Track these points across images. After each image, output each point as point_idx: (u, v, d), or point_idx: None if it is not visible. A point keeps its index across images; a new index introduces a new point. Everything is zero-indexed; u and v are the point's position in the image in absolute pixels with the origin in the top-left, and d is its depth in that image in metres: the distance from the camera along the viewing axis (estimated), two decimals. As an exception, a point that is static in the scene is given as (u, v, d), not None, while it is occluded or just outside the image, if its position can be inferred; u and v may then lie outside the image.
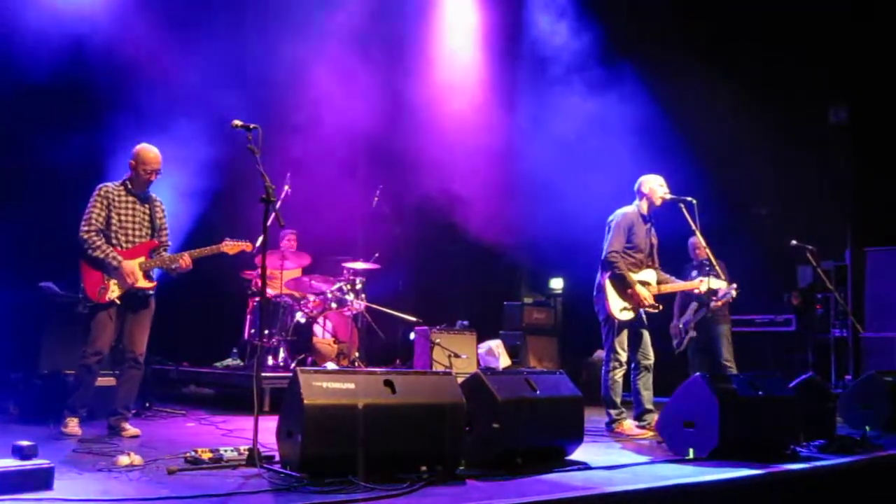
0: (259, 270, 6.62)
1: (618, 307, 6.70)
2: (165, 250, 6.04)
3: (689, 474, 4.75)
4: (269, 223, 5.04)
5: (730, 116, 13.05)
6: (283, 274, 9.07)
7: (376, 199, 9.84)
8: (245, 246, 6.17)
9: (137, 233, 5.93)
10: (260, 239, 5.60)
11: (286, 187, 8.55)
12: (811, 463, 5.34)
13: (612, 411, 6.69)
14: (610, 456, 5.43)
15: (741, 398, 5.58)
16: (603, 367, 6.81)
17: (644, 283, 6.77)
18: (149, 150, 5.92)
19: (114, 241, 5.82)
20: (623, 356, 6.71)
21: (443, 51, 10.91)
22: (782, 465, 5.11)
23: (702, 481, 4.60)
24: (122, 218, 5.88)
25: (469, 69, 10.93)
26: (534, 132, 10.86)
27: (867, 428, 6.64)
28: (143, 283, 5.84)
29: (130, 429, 5.78)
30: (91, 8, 8.25)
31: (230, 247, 6.09)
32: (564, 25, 11.11)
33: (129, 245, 5.87)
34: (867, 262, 10.16)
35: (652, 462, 5.25)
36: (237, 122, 5.07)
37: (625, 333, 6.73)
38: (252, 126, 5.07)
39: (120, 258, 5.74)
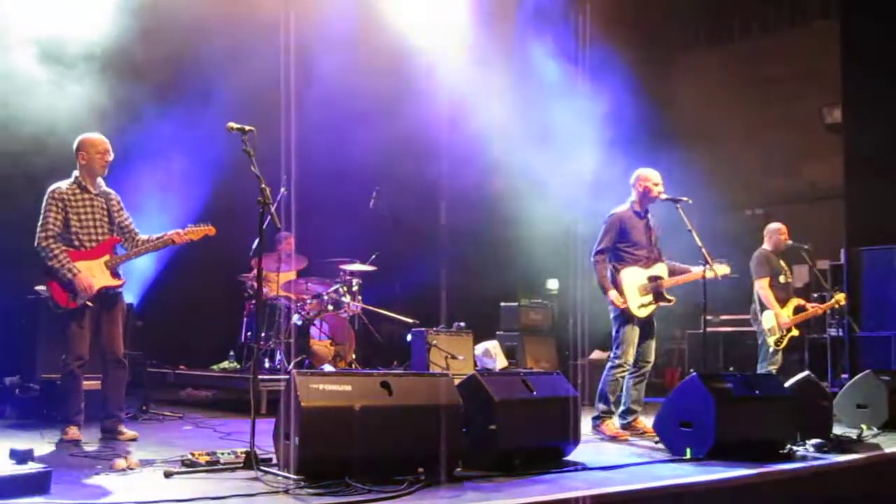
0: (255, 273, 6.60)
1: (636, 304, 6.65)
2: (138, 235, 5.92)
3: (686, 474, 4.76)
4: (265, 225, 5.03)
5: (724, 117, 13.13)
6: (280, 276, 9.05)
7: (373, 200, 9.83)
8: (207, 230, 5.95)
9: (100, 230, 5.76)
10: (256, 242, 5.60)
11: (283, 189, 8.55)
12: (808, 462, 5.35)
13: (602, 407, 6.63)
14: (607, 456, 5.44)
15: (737, 398, 5.60)
16: (608, 363, 6.75)
17: (657, 278, 6.73)
18: (93, 135, 5.78)
19: (76, 244, 5.65)
20: (631, 356, 6.63)
21: (439, 52, 10.89)
22: (779, 465, 5.13)
23: (699, 481, 4.61)
24: (82, 217, 5.70)
25: (465, 71, 10.91)
26: (531, 133, 10.87)
27: (864, 427, 6.65)
28: (110, 281, 5.72)
29: (127, 432, 5.75)
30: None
31: (193, 232, 5.89)
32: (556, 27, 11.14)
33: (93, 244, 5.71)
34: (863, 262, 10.18)
35: (649, 462, 5.25)
36: (232, 125, 5.05)
37: (636, 331, 6.66)
38: (248, 128, 5.05)
39: (76, 270, 5.53)
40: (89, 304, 5.62)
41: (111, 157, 5.81)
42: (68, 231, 5.66)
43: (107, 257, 5.74)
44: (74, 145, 5.82)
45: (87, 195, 5.78)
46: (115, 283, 5.77)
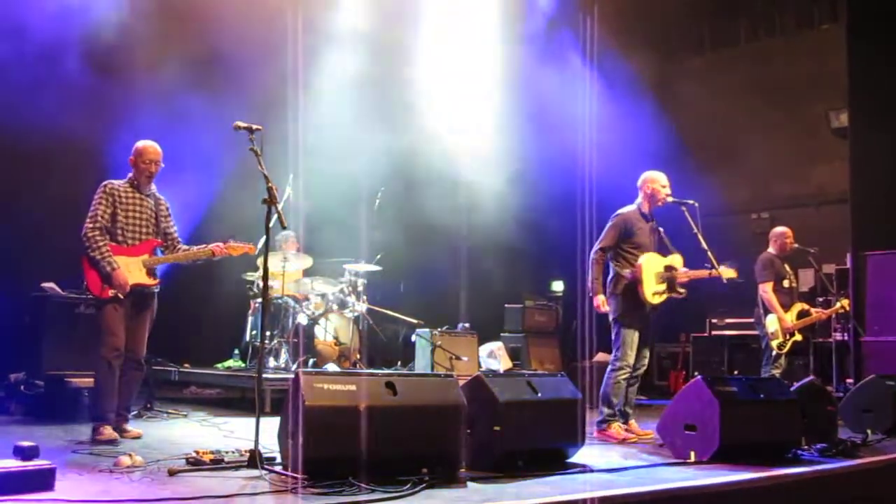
0: (261, 272, 6.61)
1: (651, 291, 6.58)
2: (179, 243, 6.05)
3: (690, 477, 4.76)
4: (271, 225, 5.04)
5: (731, 121, 13.11)
6: (285, 275, 9.06)
7: (378, 200, 9.84)
8: (248, 248, 6.11)
9: (144, 230, 5.88)
10: (262, 240, 5.61)
11: (288, 189, 8.56)
12: (813, 466, 5.34)
13: (606, 410, 6.58)
14: (611, 459, 5.43)
15: (742, 401, 5.59)
16: (609, 366, 6.72)
17: (671, 268, 6.69)
18: (147, 143, 5.91)
19: (119, 239, 5.76)
20: (631, 358, 6.59)
21: (449, 51, 10.88)
22: (784, 469, 5.11)
23: (703, 484, 4.60)
24: (130, 215, 5.83)
25: (474, 72, 10.91)
26: (537, 133, 10.87)
27: (869, 431, 6.63)
28: (145, 279, 5.81)
29: (132, 430, 5.77)
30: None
31: (233, 248, 6.02)
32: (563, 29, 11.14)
33: (135, 242, 5.83)
34: (868, 266, 10.16)
35: (653, 465, 5.24)
36: (239, 124, 5.06)
37: (636, 334, 6.62)
38: (255, 127, 5.06)
39: (116, 265, 5.64)
40: (120, 296, 5.67)
41: (157, 168, 5.91)
42: (114, 225, 5.78)
43: (145, 256, 5.85)
44: (134, 146, 5.95)
45: (138, 195, 5.92)
46: (150, 281, 5.86)
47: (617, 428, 6.54)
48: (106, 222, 5.74)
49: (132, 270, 5.75)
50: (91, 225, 5.71)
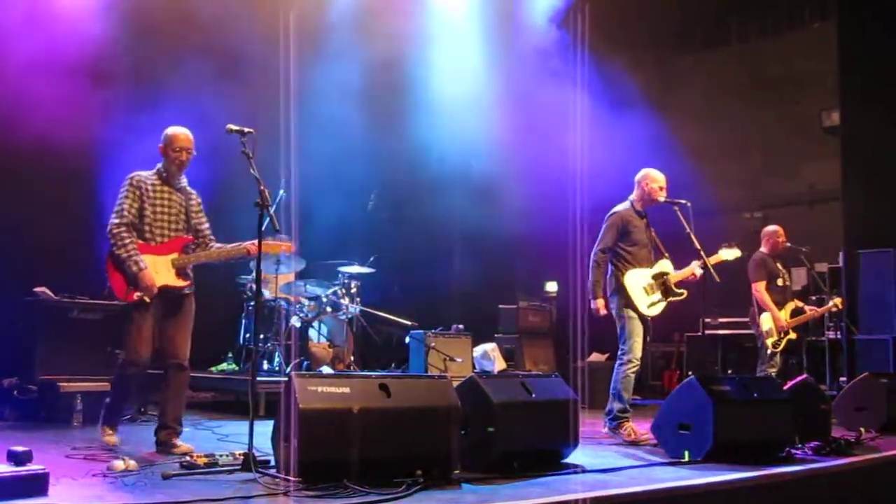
0: (253, 275, 6.58)
1: (645, 304, 6.61)
2: (212, 241, 5.60)
3: (684, 477, 4.77)
4: (263, 228, 5.03)
5: (722, 120, 13.15)
6: (278, 278, 9.04)
7: (371, 202, 9.84)
8: (286, 247, 5.84)
9: (173, 226, 5.43)
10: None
11: (281, 191, 8.55)
12: (806, 465, 5.36)
13: (617, 406, 6.51)
14: (605, 459, 5.43)
15: (736, 400, 5.61)
16: (617, 361, 6.69)
17: (662, 275, 6.71)
18: (178, 129, 5.44)
19: (147, 236, 5.33)
20: (638, 350, 6.55)
21: (442, 52, 10.88)
22: (777, 468, 5.13)
23: (697, 484, 4.61)
24: (158, 210, 5.38)
25: (463, 72, 10.91)
26: (529, 133, 10.88)
27: (862, 430, 6.65)
28: (174, 280, 5.37)
29: (182, 445, 5.32)
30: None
31: (269, 246, 5.56)
32: (555, 24, 11.14)
33: (164, 239, 5.38)
34: (861, 264, 10.19)
35: (647, 465, 5.26)
36: (231, 127, 5.03)
37: (640, 328, 6.60)
38: (247, 130, 5.03)
39: (143, 265, 5.20)
40: (146, 300, 5.27)
41: (188, 156, 5.44)
42: (141, 221, 5.34)
43: (175, 255, 5.40)
44: (163, 132, 5.53)
45: (167, 188, 5.46)
46: (179, 283, 5.42)
47: (629, 428, 6.45)
48: (133, 217, 5.29)
49: (160, 271, 5.31)
50: (117, 220, 5.25)
